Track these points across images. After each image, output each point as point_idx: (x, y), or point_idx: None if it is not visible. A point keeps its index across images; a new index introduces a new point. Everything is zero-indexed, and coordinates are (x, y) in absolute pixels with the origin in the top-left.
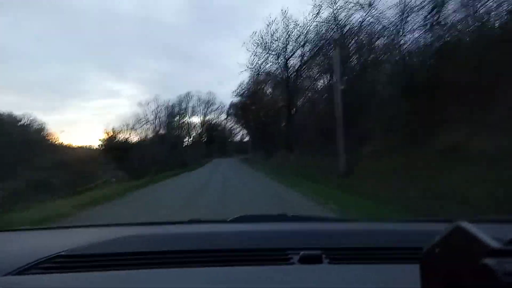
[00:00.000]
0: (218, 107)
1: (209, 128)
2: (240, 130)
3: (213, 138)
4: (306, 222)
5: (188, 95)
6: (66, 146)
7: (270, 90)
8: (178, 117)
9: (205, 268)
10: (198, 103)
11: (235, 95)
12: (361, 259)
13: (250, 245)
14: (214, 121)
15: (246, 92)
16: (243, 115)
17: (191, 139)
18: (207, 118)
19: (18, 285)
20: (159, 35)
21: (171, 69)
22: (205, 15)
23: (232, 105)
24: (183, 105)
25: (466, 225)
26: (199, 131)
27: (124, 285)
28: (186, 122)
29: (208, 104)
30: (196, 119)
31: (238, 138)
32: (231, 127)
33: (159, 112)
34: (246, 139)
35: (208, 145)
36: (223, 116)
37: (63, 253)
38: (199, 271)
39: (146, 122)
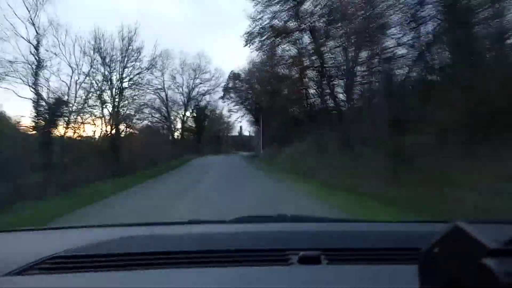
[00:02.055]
0: (212, 77)
1: (198, 111)
2: (243, 115)
3: (203, 128)
4: (305, 223)
5: (165, 55)
6: None
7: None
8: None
9: (204, 269)
10: (182, 70)
11: (249, 40)
12: (360, 259)
13: (249, 246)
14: (206, 99)
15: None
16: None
17: (175, 128)
18: (194, 94)
19: (17, 285)
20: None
21: None
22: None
23: (233, 76)
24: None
25: (465, 225)
26: (182, 114)
27: (123, 286)
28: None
29: (197, 71)
30: (178, 97)
31: (237, 131)
32: (230, 110)
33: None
34: (247, 133)
35: (198, 138)
36: (219, 92)
37: (61, 253)
38: (198, 272)
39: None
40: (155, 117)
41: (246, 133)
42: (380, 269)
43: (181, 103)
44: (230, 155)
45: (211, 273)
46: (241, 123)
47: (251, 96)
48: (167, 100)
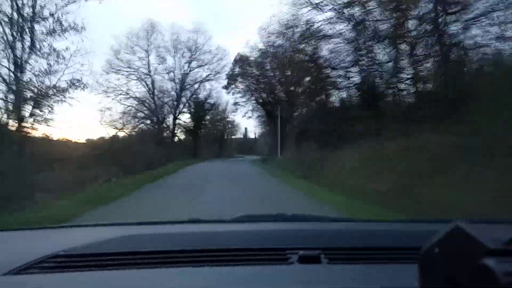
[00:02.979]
0: (213, 59)
1: (195, 104)
2: (252, 109)
3: (202, 126)
4: (305, 222)
5: (149, 27)
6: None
7: None
8: None
9: (205, 268)
10: (174, 49)
11: None
12: (360, 259)
13: (249, 245)
14: (206, 88)
15: None
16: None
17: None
18: (189, 81)
19: (16, 285)
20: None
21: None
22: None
23: (240, 59)
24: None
25: (465, 225)
26: (174, 105)
27: (123, 285)
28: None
29: (194, 51)
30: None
31: (241, 133)
32: (235, 103)
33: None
34: (252, 135)
35: (195, 138)
36: (222, 80)
37: (61, 252)
38: (198, 271)
39: None
40: (142, 111)
41: (251, 135)
42: (380, 269)
43: (172, 92)
44: (235, 161)
45: (210, 272)
46: (251, 118)
47: (268, 81)
48: (153, 87)
